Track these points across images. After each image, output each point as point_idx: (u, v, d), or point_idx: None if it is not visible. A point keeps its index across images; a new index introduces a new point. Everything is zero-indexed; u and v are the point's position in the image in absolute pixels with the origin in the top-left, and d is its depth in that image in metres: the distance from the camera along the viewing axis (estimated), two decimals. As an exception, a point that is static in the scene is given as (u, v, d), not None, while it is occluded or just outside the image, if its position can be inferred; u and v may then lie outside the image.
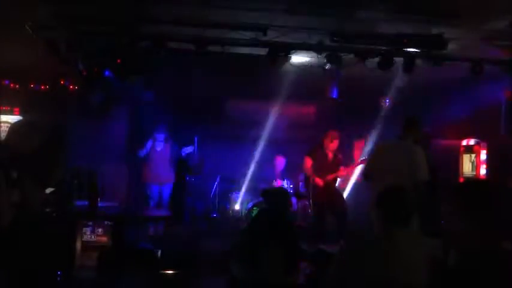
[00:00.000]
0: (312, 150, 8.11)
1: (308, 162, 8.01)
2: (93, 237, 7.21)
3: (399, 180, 4.83)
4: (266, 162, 9.92)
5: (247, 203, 9.27)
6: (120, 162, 9.03)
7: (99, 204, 6.74)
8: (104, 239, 7.27)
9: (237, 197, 9.65)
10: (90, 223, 7.06)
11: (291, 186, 9.66)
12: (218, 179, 9.84)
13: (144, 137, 9.03)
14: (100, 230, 7.05)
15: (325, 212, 7.82)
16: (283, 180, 9.58)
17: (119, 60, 7.29)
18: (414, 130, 5.55)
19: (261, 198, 8.72)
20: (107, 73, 7.58)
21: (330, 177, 7.91)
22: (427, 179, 5.32)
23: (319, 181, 7.84)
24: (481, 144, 8.20)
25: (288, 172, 9.84)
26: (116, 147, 9.07)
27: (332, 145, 7.93)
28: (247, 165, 10.04)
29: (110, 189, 7.93)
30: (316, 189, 7.85)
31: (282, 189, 6.15)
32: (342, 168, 8.08)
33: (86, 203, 6.74)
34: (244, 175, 9.89)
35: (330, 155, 8.01)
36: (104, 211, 6.09)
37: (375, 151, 6.25)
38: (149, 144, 8.86)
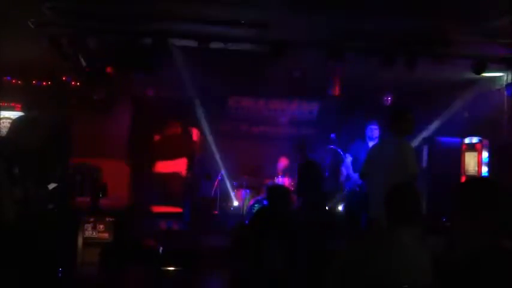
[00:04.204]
0: (353, 146, 7.62)
1: (349, 160, 7.55)
2: (94, 233, 7.23)
3: (390, 178, 4.84)
4: (268, 159, 9.91)
5: (249, 200, 9.28)
6: (122, 158, 9.04)
7: (102, 200, 6.74)
8: (106, 235, 7.28)
9: (239, 194, 9.66)
10: (92, 219, 7.08)
11: (292, 183, 9.66)
12: (220, 176, 9.85)
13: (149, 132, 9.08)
14: (101, 226, 7.06)
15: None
16: (285, 177, 9.58)
17: (121, 57, 7.28)
18: (401, 121, 5.49)
19: (261, 196, 8.77)
20: (109, 69, 7.58)
21: None
22: (416, 173, 5.30)
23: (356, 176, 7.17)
24: (483, 142, 8.18)
25: (290, 169, 9.84)
26: (119, 143, 9.08)
27: (370, 133, 7.36)
28: (249, 163, 10.04)
29: (112, 186, 7.94)
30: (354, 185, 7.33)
31: (283, 187, 6.15)
32: None
33: (88, 199, 6.75)
34: (246, 172, 9.89)
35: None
36: (106, 208, 6.09)
37: (369, 150, 6.22)
38: None
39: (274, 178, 9.51)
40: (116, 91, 8.92)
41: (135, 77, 8.29)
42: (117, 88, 8.80)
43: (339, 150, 8.11)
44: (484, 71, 7.28)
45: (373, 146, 6.22)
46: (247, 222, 6.72)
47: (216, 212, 9.44)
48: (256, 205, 8.60)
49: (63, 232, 5.38)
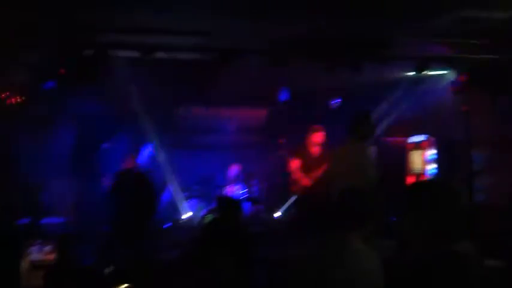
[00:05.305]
0: (297, 150, 7.59)
1: (294, 164, 7.48)
2: (40, 256, 6.94)
3: (351, 182, 4.85)
4: (219, 168, 9.84)
5: (200, 211, 9.17)
6: (67, 176, 8.74)
7: (45, 221, 6.49)
8: (52, 257, 7.01)
9: (190, 205, 9.53)
10: (38, 241, 6.79)
11: (245, 191, 9.61)
12: (170, 187, 9.69)
13: (92, 149, 8.82)
14: (47, 248, 6.78)
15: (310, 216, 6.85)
16: (236, 186, 9.52)
17: (62, 71, 7.07)
18: (361, 126, 5.54)
19: (213, 205, 8.67)
20: (50, 84, 7.33)
21: (317, 173, 7.23)
22: (375, 179, 5.33)
23: (305, 181, 7.30)
24: (430, 141, 8.32)
25: (242, 177, 9.79)
26: (63, 161, 8.78)
27: (314, 139, 7.38)
28: (199, 172, 9.94)
29: (56, 205, 7.66)
30: (302, 189, 7.34)
31: (232, 198, 6.08)
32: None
33: (30, 220, 6.48)
34: (197, 182, 9.78)
35: (316, 151, 7.41)
36: (49, 228, 5.86)
37: (331, 156, 6.26)
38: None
39: (225, 187, 9.45)
40: (59, 107, 8.63)
41: (78, 92, 8.05)
42: (59, 104, 8.52)
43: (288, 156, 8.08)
44: (427, 70, 7.43)
45: (335, 151, 6.18)
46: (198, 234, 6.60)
47: (168, 224, 9.26)
48: (207, 215, 8.50)
49: (6, 256, 5.14)
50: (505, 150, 7.15)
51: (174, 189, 9.68)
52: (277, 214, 9.65)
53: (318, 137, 7.42)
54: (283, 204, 9.43)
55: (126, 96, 8.46)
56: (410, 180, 8.37)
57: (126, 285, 5.70)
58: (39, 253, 6.71)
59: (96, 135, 9.00)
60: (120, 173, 6.96)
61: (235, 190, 9.48)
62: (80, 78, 7.22)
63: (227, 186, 9.50)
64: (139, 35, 6.38)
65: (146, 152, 9.01)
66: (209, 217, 8.27)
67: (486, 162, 7.50)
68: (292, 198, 8.16)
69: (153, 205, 7.04)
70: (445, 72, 7.96)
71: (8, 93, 8.54)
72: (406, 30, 6.38)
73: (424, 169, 8.21)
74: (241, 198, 9.12)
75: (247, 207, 9.12)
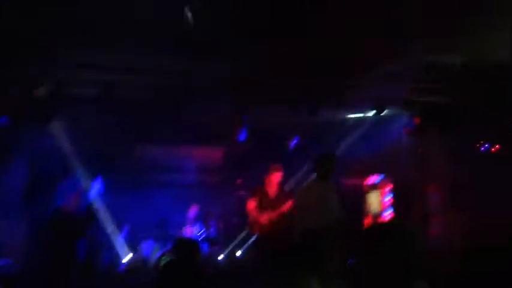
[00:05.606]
0: (254, 191, 7.54)
1: (250, 204, 7.40)
2: (-14, 300, 6.62)
3: (316, 222, 4.86)
4: (176, 208, 9.70)
5: (156, 252, 8.97)
6: (17, 216, 8.42)
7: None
8: (-1, 301, 6.69)
9: (146, 246, 9.32)
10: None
11: (202, 231, 9.49)
12: (126, 228, 9.47)
13: (45, 187, 8.53)
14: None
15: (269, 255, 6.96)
16: (194, 226, 9.39)
17: (14, 108, 6.91)
18: (323, 166, 5.59)
19: (169, 246, 8.50)
20: (2, 120, 7.13)
21: (274, 214, 7.18)
22: (342, 217, 5.35)
23: (263, 218, 7.21)
24: (386, 181, 8.42)
25: (200, 217, 9.68)
26: (12, 200, 8.47)
27: (273, 178, 7.37)
28: (156, 212, 9.77)
29: (4, 246, 7.36)
30: (260, 228, 7.27)
31: (189, 240, 5.99)
32: (288, 202, 6.98)
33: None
34: (153, 222, 9.60)
35: (273, 191, 7.42)
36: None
37: (296, 193, 6.29)
38: None
39: (183, 227, 9.31)
40: (11, 144, 8.38)
41: (31, 128, 7.86)
42: (11, 140, 8.28)
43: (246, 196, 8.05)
44: (383, 112, 7.59)
45: (298, 190, 6.20)
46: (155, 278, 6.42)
47: (122, 267, 9.01)
48: (163, 257, 8.31)
49: None
50: (456, 190, 7.29)
51: (129, 228, 9.48)
52: (237, 254, 9.57)
53: (277, 177, 7.44)
54: (241, 245, 9.36)
55: (83, 134, 8.32)
56: (367, 221, 8.43)
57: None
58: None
59: (50, 173, 8.74)
60: (55, 211, 6.73)
61: (194, 230, 9.35)
62: (34, 115, 7.07)
63: (185, 227, 9.36)
64: (96, 72, 6.32)
65: (96, 189, 8.76)
66: (165, 259, 8.08)
67: (440, 203, 7.63)
68: (252, 239, 8.11)
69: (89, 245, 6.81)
70: (399, 113, 8.15)
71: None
72: (362, 75, 6.53)
73: (381, 210, 8.28)
74: (199, 239, 9.00)
75: (205, 248, 8.99)
